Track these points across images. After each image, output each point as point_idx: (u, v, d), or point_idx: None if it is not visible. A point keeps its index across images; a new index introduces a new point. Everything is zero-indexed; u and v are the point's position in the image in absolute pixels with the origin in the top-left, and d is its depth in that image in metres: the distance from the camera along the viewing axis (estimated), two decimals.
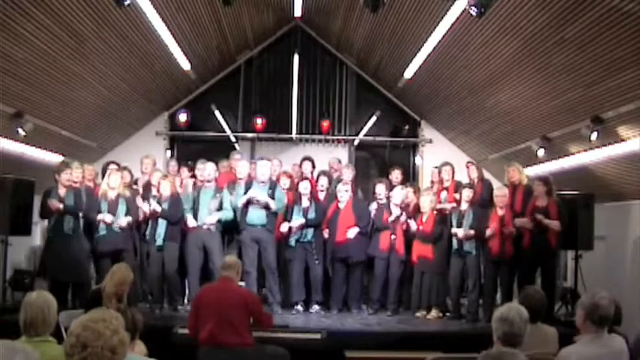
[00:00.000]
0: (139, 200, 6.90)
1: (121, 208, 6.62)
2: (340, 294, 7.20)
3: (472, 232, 6.59)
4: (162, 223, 6.70)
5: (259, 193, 6.84)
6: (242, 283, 6.81)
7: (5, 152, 6.62)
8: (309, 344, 5.47)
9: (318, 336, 5.60)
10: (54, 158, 7.69)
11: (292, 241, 7.04)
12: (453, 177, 7.47)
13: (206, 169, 6.99)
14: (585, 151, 6.92)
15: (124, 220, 6.55)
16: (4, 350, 1.96)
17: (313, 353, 5.36)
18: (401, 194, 7.20)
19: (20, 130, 6.53)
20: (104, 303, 4.58)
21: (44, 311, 3.01)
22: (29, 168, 7.20)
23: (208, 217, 6.78)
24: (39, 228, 7.86)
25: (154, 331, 4.42)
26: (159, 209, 6.66)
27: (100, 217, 6.50)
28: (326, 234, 7.12)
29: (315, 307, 7.04)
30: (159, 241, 6.68)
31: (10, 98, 6.27)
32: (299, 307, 6.99)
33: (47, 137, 7.40)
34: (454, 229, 6.72)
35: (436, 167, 7.92)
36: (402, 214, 7.03)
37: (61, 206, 6.37)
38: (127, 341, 2.07)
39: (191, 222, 6.78)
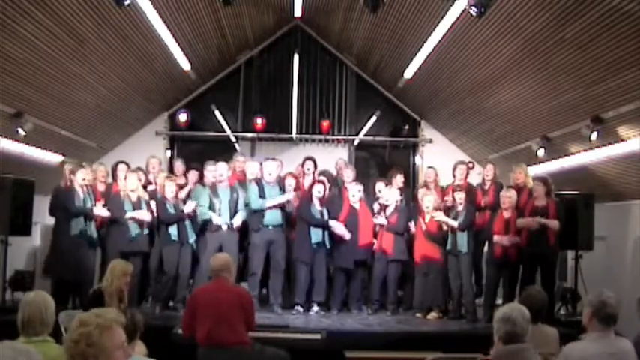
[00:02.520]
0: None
1: (144, 209, 6.75)
2: (340, 294, 7.20)
3: (454, 223, 6.65)
4: (189, 223, 6.82)
5: (274, 195, 6.89)
6: (245, 284, 6.84)
7: (5, 152, 6.62)
8: (309, 344, 5.47)
9: (318, 336, 5.60)
10: (54, 158, 7.69)
11: (314, 245, 6.96)
12: (466, 177, 7.48)
13: (218, 170, 7.03)
14: (585, 151, 6.91)
15: (144, 215, 6.69)
16: (6, 351, 1.95)
17: (313, 353, 5.36)
18: (394, 194, 7.20)
19: (20, 130, 6.53)
20: (106, 301, 4.60)
21: (42, 311, 3.01)
22: (29, 168, 7.19)
23: (235, 219, 6.87)
24: (39, 228, 7.85)
25: (153, 331, 4.42)
26: (194, 207, 6.79)
27: (129, 215, 6.60)
28: (348, 234, 7.01)
29: (315, 307, 7.04)
30: (191, 239, 6.85)
31: (10, 98, 6.27)
32: (299, 308, 6.99)
33: (47, 137, 7.40)
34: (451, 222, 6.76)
35: (430, 167, 7.94)
36: (394, 213, 7.06)
37: (105, 214, 6.60)
38: (115, 339, 2.04)
39: (216, 219, 6.83)
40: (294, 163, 8.36)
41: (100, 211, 6.66)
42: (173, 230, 6.74)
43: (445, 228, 6.79)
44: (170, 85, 9.14)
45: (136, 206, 6.69)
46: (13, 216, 6.57)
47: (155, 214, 6.81)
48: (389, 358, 5.50)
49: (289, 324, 6.06)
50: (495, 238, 6.49)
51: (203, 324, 4.39)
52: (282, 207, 6.92)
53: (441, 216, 6.82)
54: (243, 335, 4.43)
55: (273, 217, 6.88)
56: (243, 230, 7.08)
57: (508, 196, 6.60)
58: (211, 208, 6.89)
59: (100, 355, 1.97)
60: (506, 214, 6.55)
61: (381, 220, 7.08)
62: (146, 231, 6.73)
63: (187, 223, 6.84)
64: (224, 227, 6.84)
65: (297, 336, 5.56)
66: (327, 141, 10.02)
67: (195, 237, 6.92)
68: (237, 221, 6.88)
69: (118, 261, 5.06)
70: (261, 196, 6.89)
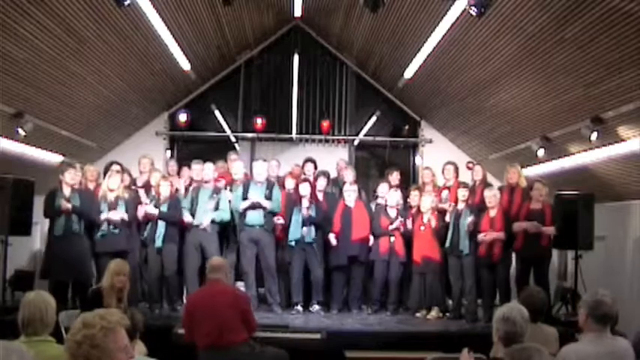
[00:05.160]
0: (143, 197, 6.94)
1: (121, 209, 6.67)
2: (340, 294, 7.21)
3: (470, 219, 6.60)
4: (161, 225, 6.73)
5: (256, 195, 6.85)
6: (241, 284, 6.85)
7: (5, 152, 6.61)
8: (309, 344, 5.47)
9: (318, 336, 5.60)
10: (54, 158, 7.69)
11: (292, 242, 7.04)
12: (456, 177, 7.47)
13: (204, 170, 7.00)
14: (585, 151, 6.92)
15: (117, 214, 6.60)
16: (3, 351, 1.95)
17: (313, 353, 5.36)
18: (396, 196, 7.20)
19: (20, 130, 6.53)
20: (105, 301, 4.61)
21: (42, 311, 3.01)
22: (29, 168, 7.19)
23: (204, 217, 6.78)
24: (39, 228, 7.85)
25: (153, 331, 4.42)
26: (155, 212, 6.68)
27: (103, 216, 6.55)
28: (333, 240, 7.03)
29: (315, 307, 7.04)
30: (158, 242, 6.70)
31: (10, 98, 6.27)
32: (299, 307, 7.00)
33: (47, 137, 7.40)
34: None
35: (427, 168, 7.94)
36: (397, 218, 7.04)
37: (70, 206, 6.43)
38: (119, 341, 2.04)
39: (187, 217, 6.79)
40: (294, 164, 8.36)
41: (66, 204, 6.50)
42: (146, 231, 6.77)
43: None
44: (170, 85, 9.14)
45: (112, 206, 6.62)
46: (13, 216, 6.55)
47: (142, 214, 6.77)
48: (389, 358, 5.50)
49: (289, 324, 6.05)
50: (479, 236, 6.49)
51: (201, 328, 4.39)
52: (263, 208, 6.86)
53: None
54: (241, 335, 4.43)
55: (254, 218, 6.85)
56: (223, 230, 7.07)
57: (492, 195, 6.61)
58: (192, 207, 6.86)
59: (103, 357, 1.97)
60: (492, 213, 6.55)
61: (397, 223, 7.02)
62: (120, 230, 6.64)
63: (160, 223, 6.73)
64: (200, 227, 6.79)
65: (297, 336, 5.56)
66: (327, 141, 10.03)
67: (163, 238, 6.72)
68: (206, 220, 6.78)
69: (113, 260, 5.07)
70: (245, 196, 6.90)
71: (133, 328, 3.41)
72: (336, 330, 6.01)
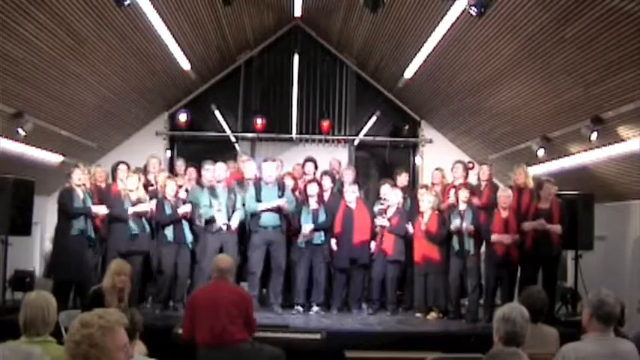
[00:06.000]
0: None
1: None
2: (340, 294, 7.20)
3: (471, 227, 6.60)
4: (186, 225, 6.79)
5: (270, 196, 6.85)
6: (245, 284, 6.84)
7: (5, 152, 6.62)
8: (309, 344, 5.48)
9: (318, 336, 5.60)
10: (54, 158, 7.69)
11: (302, 243, 7.02)
12: (466, 176, 7.47)
13: (216, 170, 7.02)
14: (585, 151, 6.92)
15: (145, 207, 6.69)
16: (8, 352, 1.95)
17: (313, 353, 5.36)
18: (396, 195, 7.19)
19: (20, 130, 6.53)
20: (106, 301, 4.61)
21: (44, 311, 3.01)
22: (29, 168, 7.19)
23: (232, 219, 6.83)
24: (39, 228, 7.85)
25: (154, 331, 4.42)
26: (189, 209, 6.73)
27: (133, 209, 6.58)
28: (334, 245, 7.05)
29: (315, 308, 7.04)
30: (189, 244, 6.80)
31: (10, 98, 6.27)
32: (299, 307, 7.00)
33: (47, 137, 7.40)
34: (455, 224, 6.67)
35: (437, 169, 7.91)
36: (384, 216, 7.05)
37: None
38: (117, 340, 2.03)
39: (220, 219, 6.78)
40: (294, 163, 8.35)
41: (98, 208, 6.64)
42: (169, 231, 6.74)
43: (452, 228, 6.72)
44: (170, 85, 9.14)
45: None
46: (13, 216, 6.55)
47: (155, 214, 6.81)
48: (389, 358, 5.50)
49: (289, 324, 6.06)
50: (494, 237, 6.48)
51: (203, 324, 4.39)
52: (279, 209, 6.87)
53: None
54: (242, 332, 4.43)
55: (270, 219, 6.85)
56: (242, 231, 7.06)
57: (506, 196, 6.59)
58: (210, 208, 6.87)
59: (102, 356, 1.97)
60: (504, 214, 6.55)
61: (382, 221, 7.05)
62: (147, 230, 6.72)
63: (184, 223, 6.81)
64: (223, 227, 6.82)
65: (297, 336, 5.56)
66: (327, 141, 10.03)
67: (192, 238, 6.87)
68: (235, 222, 6.85)
69: (115, 260, 5.10)
70: (258, 197, 6.89)
71: (133, 328, 3.41)
72: (336, 330, 6.01)
